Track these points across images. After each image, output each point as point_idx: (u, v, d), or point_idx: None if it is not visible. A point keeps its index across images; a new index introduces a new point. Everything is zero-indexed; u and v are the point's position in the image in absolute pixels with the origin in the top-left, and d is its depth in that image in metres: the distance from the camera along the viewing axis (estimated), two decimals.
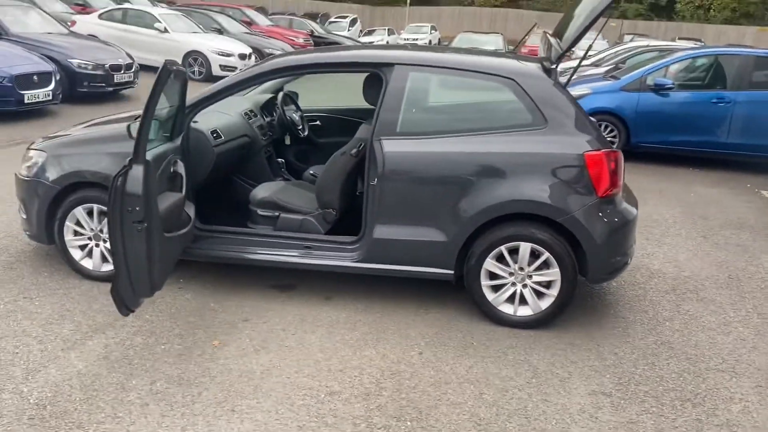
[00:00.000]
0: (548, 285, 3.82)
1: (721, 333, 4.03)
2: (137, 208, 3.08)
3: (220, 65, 15.19)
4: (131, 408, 2.98)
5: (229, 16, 19.21)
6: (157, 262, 3.32)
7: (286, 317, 3.94)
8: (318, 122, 5.52)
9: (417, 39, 35.90)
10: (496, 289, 3.88)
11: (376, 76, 4.07)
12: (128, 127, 3.80)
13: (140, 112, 4.94)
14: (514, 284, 3.85)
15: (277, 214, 4.23)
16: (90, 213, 4.18)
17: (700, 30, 36.70)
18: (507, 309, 3.89)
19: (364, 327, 3.86)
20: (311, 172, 4.93)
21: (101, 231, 4.20)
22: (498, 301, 3.87)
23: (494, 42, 19.24)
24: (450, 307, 4.13)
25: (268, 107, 5.24)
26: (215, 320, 3.86)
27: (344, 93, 6.65)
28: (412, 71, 3.86)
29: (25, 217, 4.37)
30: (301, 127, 5.31)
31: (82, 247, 4.27)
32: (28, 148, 4.52)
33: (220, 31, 17.59)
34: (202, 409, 2.99)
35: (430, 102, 4.04)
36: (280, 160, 5.30)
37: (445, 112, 4.16)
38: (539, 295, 3.84)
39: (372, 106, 4.06)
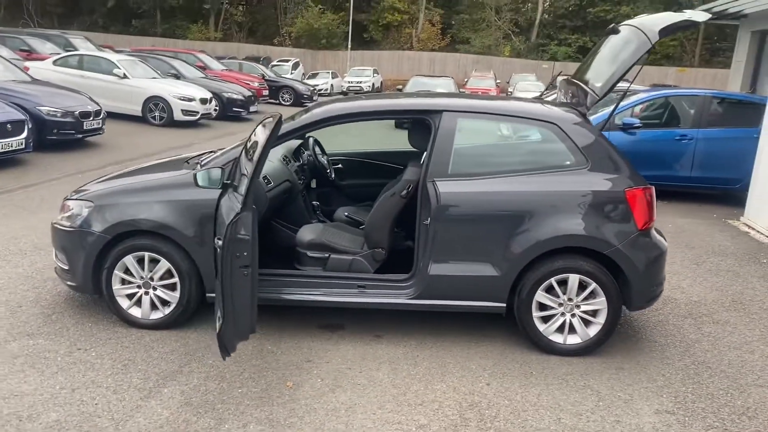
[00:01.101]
0: (594, 314, 4.07)
1: (746, 351, 4.37)
2: (245, 254, 3.17)
3: (182, 110, 15.15)
4: None
5: (184, 60, 19.21)
6: (255, 305, 3.41)
7: (346, 356, 4.04)
8: (340, 165, 5.70)
9: (361, 82, 36.71)
10: (545, 319, 4.11)
11: (422, 123, 4.30)
12: (194, 176, 3.89)
13: (182, 155, 5.06)
14: (563, 314, 4.08)
15: (327, 255, 4.36)
16: (139, 261, 4.19)
17: None
18: (557, 338, 4.11)
19: (425, 362, 4.00)
20: (346, 213, 5.08)
21: (151, 279, 4.21)
22: (549, 331, 4.10)
23: (446, 85, 19.92)
24: (497, 339, 4.33)
25: (297, 152, 5.39)
26: (278, 362, 3.92)
27: (357, 138, 6.89)
28: (460, 117, 4.12)
29: (67, 267, 4.34)
30: (328, 170, 5.48)
31: (130, 296, 4.26)
32: (67, 199, 4.52)
33: (177, 76, 17.57)
34: None
35: (478, 145, 4.30)
36: (315, 203, 5.44)
37: (493, 154, 4.43)
38: (586, 323, 4.09)
39: (414, 149, 4.29)
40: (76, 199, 4.41)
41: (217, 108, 16.51)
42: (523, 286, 4.05)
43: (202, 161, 4.54)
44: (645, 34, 3.95)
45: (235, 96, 17.74)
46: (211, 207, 4.05)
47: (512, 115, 4.20)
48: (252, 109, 18.53)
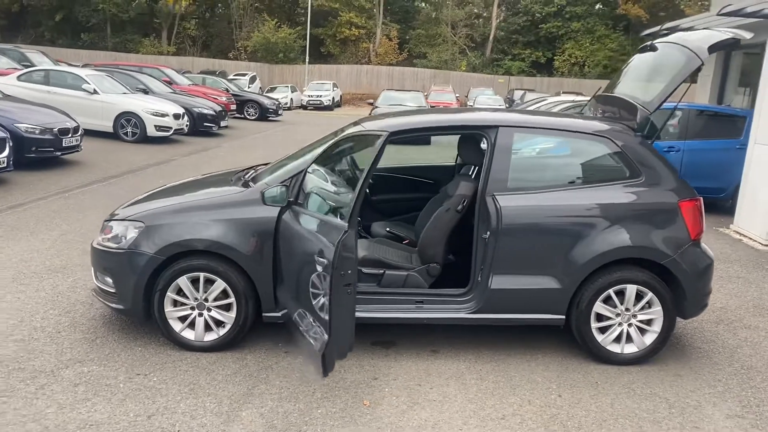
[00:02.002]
0: (649, 323, 4.18)
1: None
2: (349, 272, 3.14)
3: (156, 126, 14.87)
4: None
5: (150, 75, 18.85)
6: (354, 323, 3.37)
7: (410, 372, 4.03)
8: (370, 180, 5.68)
9: (320, 96, 36.75)
10: (602, 330, 4.19)
11: (471, 138, 4.35)
12: (262, 194, 3.85)
13: (226, 171, 4.96)
14: (620, 324, 4.17)
15: (381, 271, 4.34)
16: (193, 282, 4.10)
17: (578, 84, 40.03)
18: (615, 348, 4.20)
19: (490, 376, 4.03)
20: (387, 228, 5.07)
21: (206, 300, 4.12)
22: (606, 341, 4.18)
23: (416, 99, 20.11)
24: (551, 350, 4.39)
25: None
26: (346, 381, 3.88)
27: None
28: (517, 132, 4.18)
29: (113, 290, 4.20)
30: None
31: (182, 318, 4.16)
32: (109, 220, 4.39)
33: (145, 91, 17.22)
34: None
35: (534, 159, 4.37)
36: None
37: (548, 168, 4.50)
38: (642, 332, 4.19)
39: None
40: (121, 220, 4.28)
41: (188, 123, 16.23)
42: (582, 298, 4.12)
43: (249, 176, 4.49)
44: (694, 52, 4.10)
45: (205, 111, 17.51)
46: (271, 225, 4.00)
47: (566, 130, 4.30)
48: (223, 123, 18.30)
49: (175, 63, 39.90)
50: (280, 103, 25.95)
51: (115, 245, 4.19)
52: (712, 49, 4.11)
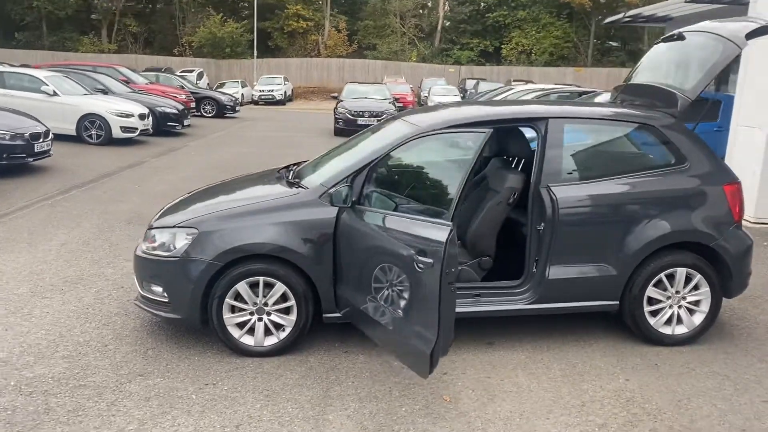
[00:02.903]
0: (697, 303, 4.33)
1: None
2: (453, 270, 3.13)
3: (121, 127, 14.42)
4: None
5: (107, 74, 18.24)
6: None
7: (475, 365, 4.07)
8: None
9: (272, 90, 36.29)
10: (653, 313, 4.32)
11: (512, 130, 4.40)
12: (331, 195, 3.81)
13: (269, 169, 4.84)
14: (671, 306, 4.31)
15: None
16: (251, 286, 4.03)
17: (527, 72, 40.79)
18: (666, 330, 4.34)
19: (555, 364, 4.10)
20: None
21: (265, 304, 4.06)
22: (658, 323, 4.31)
23: (380, 91, 20.14)
24: (603, 336, 4.50)
25: None
26: (415, 379, 3.88)
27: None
28: (567, 123, 4.25)
29: (167, 299, 4.09)
30: None
31: (240, 324, 4.08)
32: (154, 228, 4.27)
33: (105, 91, 16.66)
34: None
35: (584, 149, 4.44)
36: None
37: (599, 157, 4.57)
38: (691, 313, 4.34)
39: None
40: (167, 228, 4.16)
41: (152, 123, 15.80)
42: (635, 283, 4.24)
43: (292, 177, 4.45)
44: (732, 41, 4.25)
45: (168, 110, 17.06)
46: (330, 225, 3.97)
47: (613, 119, 4.39)
48: (185, 122, 17.87)
49: (118, 61, 38.61)
50: (237, 100, 25.49)
51: (166, 253, 4.08)
52: (750, 36, 4.27)
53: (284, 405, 3.56)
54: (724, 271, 4.31)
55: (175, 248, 4.07)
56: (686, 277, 4.27)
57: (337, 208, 3.98)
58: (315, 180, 4.23)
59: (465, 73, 41.58)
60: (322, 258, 4.00)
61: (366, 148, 4.33)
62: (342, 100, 18.93)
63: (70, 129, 14.20)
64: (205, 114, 23.60)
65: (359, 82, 22.85)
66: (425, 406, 3.58)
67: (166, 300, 4.10)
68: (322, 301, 4.08)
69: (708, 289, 4.28)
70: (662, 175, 4.28)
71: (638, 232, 4.16)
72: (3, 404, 3.48)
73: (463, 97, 30.14)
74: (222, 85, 34.65)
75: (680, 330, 4.34)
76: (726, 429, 3.41)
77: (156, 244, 4.17)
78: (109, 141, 14.28)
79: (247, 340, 4.09)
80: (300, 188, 4.22)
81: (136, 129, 14.79)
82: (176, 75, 27.19)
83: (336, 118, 18.39)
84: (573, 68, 41.49)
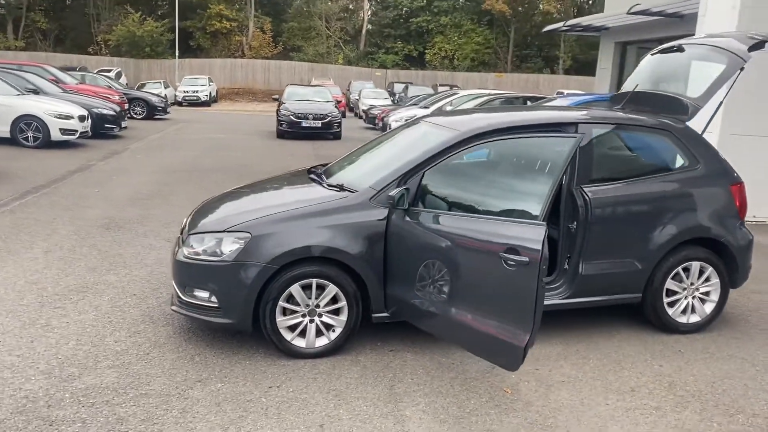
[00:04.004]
0: (707, 294, 4.73)
1: None
2: (544, 267, 3.30)
3: (60, 129, 13.81)
4: None
5: (36, 74, 17.34)
6: None
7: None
8: None
9: (197, 91, 35.47)
10: (670, 304, 4.68)
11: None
12: (392, 198, 3.91)
13: (295, 170, 4.84)
14: (686, 297, 4.68)
15: None
16: (304, 288, 4.08)
17: (452, 77, 41.75)
18: (681, 319, 4.71)
19: (591, 354, 4.38)
20: None
21: (317, 306, 4.12)
22: (675, 313, 4.68)
23: (321, 93, 20.13)
24: (623, 327, 4.82)
25: None
26: (468, 372, 4.06)
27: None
28: (594, 128, 4.54)
29: (217, 304, 4.08)
30: None
31: (291, 327, 4.13)
32: (196, 233, 4.24)
33: (36, 91, 15.85)
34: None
35: (611, 152, 4.73)
36: None
37: (623, 160, 4.87)
38: (703, 302, 4.73)
39: None
40: (214, 232, 4.15)
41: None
42: (656, 276, 4.57)
43: (331, 179, 4.53)
44: (736, 54, 4.66)
45: (105, 111, 16.43)
46: (382, 226, 4.07)
47: (634, 125, 4.70)
48: (123, 125, 17.26)
49: (27, 58, 36.64)
50: (167, 101, 24.78)
51: (214, 258, 4.06)
52: (752, 49, 4.70)
53: (356, 403, 3.63)
54: (731, 264, 4.72)
55: (223, 253, 4.05)
56: (699, 270, 4.64)
57: (386, 210, 4.08)
58: (362, 183, 4.30)
59: (391, 76, 42.09)
60: (373, 259, 4.10)
61: (405, 152, 4.45)
62: (284, 102, 18.80)
63: (4, 131, 13.49)
64: (135, 116, 22.80)
65: (300, 84, 22.77)
66: (491, 398, 3.74)
67: (216, 305, 4.07)
68: (371, 301, 4.16)
69: (718, 280, 4.68)
70: (679, 176, 4.65)
71: (661, 229, 4.50)
72: (68, 416, 3.39)
73: (393, 102, 30.51)
74: (143, 85, 33.48)
75: (694, 318, 4.72)
76: (764, 404, 3.77)
77: (201, 249, 4.14)
78: (47, 144, 13.66)
79: (299, 342, 4.13)
80: (346, 191, 4.29)
81: (76, 131, 14.20)
82: (102, 75, 26.06)
83: (279, 121, 18.25)
84: (494, 74, 42.82)
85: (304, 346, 4.14)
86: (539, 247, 3.20)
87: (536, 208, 3.53)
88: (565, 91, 28.89)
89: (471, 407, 3.64)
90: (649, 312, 4.67)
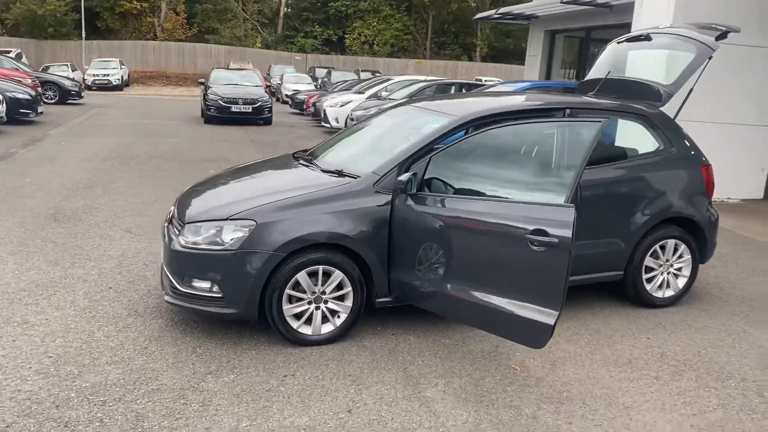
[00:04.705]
0: (680, 269, 5.04)
1: (760, 278, 5.74)
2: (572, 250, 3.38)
3: None
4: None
5: None
6: None
7: None
8: None
9: (108, 75, 33.89)
10: (649, 280, 4.95)
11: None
12: (404, 181, 3.92)
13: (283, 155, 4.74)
14: (662, 273, 4.97)
15: None
16: (310, 275, 4.05)
17: (373, 62, 41.80)
18: (658, 294, 4.99)
19: (583, 330, 4.57)
20: None
21: (323, 293, 4.10)
22: (653, 288, 4.96)
23: (250, 77, 19.69)
24: (601, 304, 5.06)
25: None
26: (473, 353, 4.16)
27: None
28: (581, 113, 4.70)
29: (220, 294, 3.98)
30: None
31: (297, 315, 4.09)
32: (194, 222, 4.11)
33: None
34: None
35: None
36: None
37: (606, 144, 5.06)
38: (676, 278, 5.04)
39: None
40: (217, 220, 4.03)
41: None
42: (636, 255, 4.83)
43: (310, 160, 4.52)
44: (705, 44, 4.95)
45: (20, 96, 15.45)
46: (386, 212, 4.09)
47: (614, 110, 4.90)
48: (39, 110, 16.27)
49: None
50: (81, 85, 23.52)
51: (217, 247, 3.95)
52: (719, 38, 5.00)
53: (377, 387, 3.65)
54: (701, 241, 5.04)
55: (224, 241, 3.95)
56: (674, 247, 4.93)
57: (390, 196, 4.09)
58: (361, 168, 4.29)
59: (312, 61, 41.66)
60: (377, 244, 4.10)
61: (399, 137, 4.48)
62: (211, 87, 18.25)
63: None
64: (46, 100, 21.47)
65: (226, 68, 22.14)
66: (503, 376, 3.86)
67: (219, 295, 3.97)
68: (375, 287, 4.18)
69: (690, 256, 5.00)
70: (656, 159, 4.90)
71: (642, 209, 4.75)
72: (82, 416, 3.23)
73: (316, 87, 30.25)
74: (47, 68, 31.55)
75: (669, 293, 5.02)
76: (749, 367, 4.09)
77: (201, 238, 4.01)
78: None
79: (305, 330, 4.09)
80: (347, 176, 4.26)
81: None
82: (3, 56, 24.32)
83: (207, 105, 17.73)
84: (414, 60, 43.21)
85: (310, 333, 4.10)
86: (570, 228, 3.31)
87: (558, 191, 3.62)
88: (483, 78, 29.61)
89: (487, 385, 3.73)
90: (630, 288, 4.92)
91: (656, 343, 4.41)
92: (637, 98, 5.17)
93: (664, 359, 4.17)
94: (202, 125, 17.80)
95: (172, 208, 4.57)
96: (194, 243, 4.02)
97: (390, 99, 15.17)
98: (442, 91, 15.21)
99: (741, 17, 8.14)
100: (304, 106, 22.12)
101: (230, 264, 3.92)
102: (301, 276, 4.00)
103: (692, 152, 5.05)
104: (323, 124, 17.50)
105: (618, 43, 5.84)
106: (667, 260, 4.97)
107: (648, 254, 4.87)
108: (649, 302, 4.97)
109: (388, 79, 18.14)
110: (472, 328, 4.47)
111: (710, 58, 4.96)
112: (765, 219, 8.61)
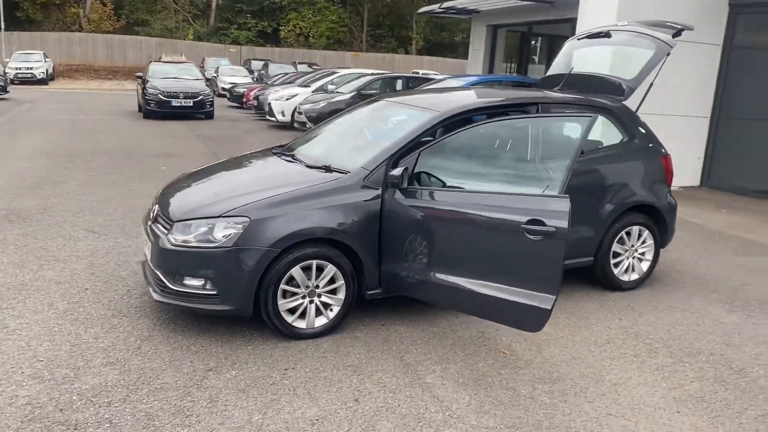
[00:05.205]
0: (644, 254, 5.36)
1: (714, 262, 6.15)
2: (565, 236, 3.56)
3: None
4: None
5: None
6: None
7: (498, 326, 4.60)
8: None
9: (32, 68, 32.52)
10: (616, 265, 5.25)
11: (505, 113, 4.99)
12: (399, 177, 4.01)
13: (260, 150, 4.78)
14: (628, 258, 5.28)
15: None
16: (304, 270, 4.11)
17: (309, 55, 41.55)
18: (624, 277, 5.29)
19: (558, 314, 4.78)
20: None
21: (316, 287, 4.17)
22: (620, 273, 5.26)
23: (189, 71, 19.29)
24: (573, 288, 5.30)
25: None
26: (462, 339, 4.32)
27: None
28: (552, 107, 4.93)
29: (215, 292, 4.00)
30: None
31: (291, 309, 4.15)
32: (184, 219, 4.11)
33: None
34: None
35: (564, 129, 5.12)
36: None
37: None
38: (640, 262, 5.35)
39: None
40: (209, 218, 4.04)
41: None
42: (605, 241, 5.10)
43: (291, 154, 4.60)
44: (663, 41, 5.26)
45: None
46: (377, 206, 4.20)
47: (578, 104, 5.14)
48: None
49: None
50: (7, 79, 22.44)
51: (210, 245, 3.96)
52: (675, 36, 5.32)
53: (378, 376, 3.76)
54: (662, 227, 5.37)
55: (216, 239, 3.96)
56: (639, 233, 5.24)
57: (380, 189, 4.19)
58: (348, 163, 4.37)
59: (247, 53, 41.04)
60: (369, 238, 4.20)
61: (381, 132, 4.60)
62: (149, 80, 17.79)
63: None
64: None
65: (165, 61, 21.56)
66: (495, 360, 4.03)
67: (213, 292, 3.98)
68: (366, 279, 4.28)
69: (652, 242, 5.32)
70: (622, 151, 5.19)
71: (610, 198, 5.02)
72: (90, 418, 3.21)
73: (253, 79, 29.89)
74: None
75: (634, 276, 5.32)
76: (715, 342, 4.41)
77: (191, 236, 4.01)
78: None
79: (299, 324, 4.15)
80: (335, 171, 4.33)
81: None
82: None
83: (146, 100, 17.27)
84: (351, 53, 43.19)
85: (304, 327, 4.16)
86: (566, 217, 3.50)
87: (547, 183, 3.82)
88: (421, 71, 29.93)
89: (482, 369, 3.90)
90: (599, 272, 5.19)
91: (628, 323, 4.69)
92: (602, 92, 5.44)
93: (639, 338, 4.44)
94: (141, 120, 17.35)
95: (155, 206, 4.52)
96: (185, 241, 4.01)
97: (338, 92, 15.21)
98: (389, 84, 15.36)
99: (683, 14, 8.61)
100: (244, 100, 21.87)
101: (224, 261, 3.93)
102: (296, 271, 4.05)
103: (652, 143, 5.36)
104: (268, 117, 17.37)
105: (578, 39, 6.11)
106: (633, 246, 5.26)
107: (615, 240, 5.14)
108: (616, 286, 5.26)
109: (333, 72, 18.14)
110: (457, 316, 4.64)
111: (668, 54, 5.26)
112: (704, 205, 9.18)
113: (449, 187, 4.17)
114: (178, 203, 4.33)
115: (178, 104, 17.41)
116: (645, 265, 5.37)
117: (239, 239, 3.92)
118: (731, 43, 9.95)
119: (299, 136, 5.56)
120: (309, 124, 14.55)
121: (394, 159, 4.28)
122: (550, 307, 3.57)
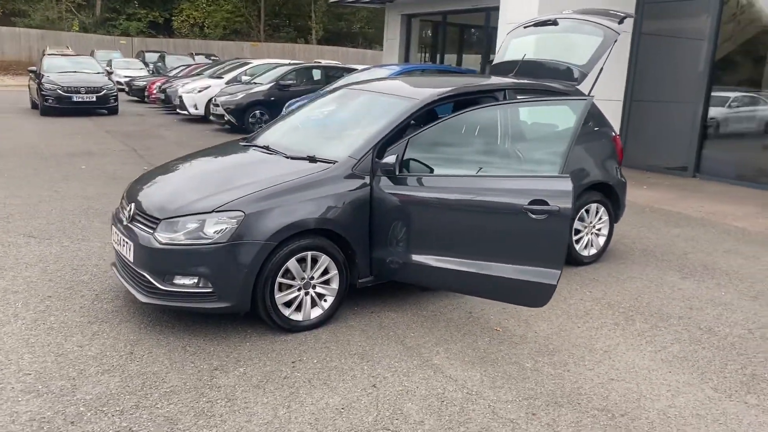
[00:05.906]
0: (600, 229, 5.69)
1: (662, 237, 6.59)
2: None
3: None
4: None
5: None
6: None
7: (485, 302, 4.76)
8: None
9: None
10: (577, 241, 5.54)
11: (473, 102, 5.14)
12: (395, 166, 4.04)
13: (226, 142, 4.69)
14: (587, 234, 5.59)
15: None
16: (299, 262, 4.09)
17: (206, 46, 40.26)
18: (584, 252, 5.60)
19: None
20: None
21: (311, 278, 4.16)
22: (581, 248, 5.56)
23: (89, 64, 18.26)
24: None
25: None
26: (452, 320, 4.44)
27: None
28: (518, 94, 5.12)
29: (211, 289, 3.90)
30: None
31: (287, 302, 4.12)
32: (176, 216, 3.97)
33: None
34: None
35: (526, 113, 5.31)
36: None
37: (537, 120, 5.47)
38: (597, 237, 5.68)
39: None
40: (200, 213, 3.92)
41: None
42: None
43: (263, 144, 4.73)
44: (610, 29, 5.56)
45: None
46: (367, 194, 4.23)
47: (542, 90, 5.36)
48: None
49: None
50: None
51: (203, 241, 3.85)
52: (620, 23, 5.64)
53: (387, 362, 3.80)
54: (615, 203, 5.71)
55: (208, 235, 3.86)
56: (596, 210, 5.55)
57: (368, 178, 4.22)
58: (333, 153, 4.36)
59: (139, 45, 39.23)
60: (360, 226, 4.23)
61: (359, 121, 4.63)
62: (45, 75, 16.67)
63: None
64: None
65: (60, 55, 20.21)
66: (492, 338, 4.18)
67: (209, 290, 3.88)
68: (359, 268, 4.30)
69: (608, 218, 5.65)
70: (587, 133, 5.45)
71: (572, 178, 5.26)
72: (108, 428, 3.06)
73: (150, 72, 28.72)
74: None
75: (592, 251, 5.64)
76: (680, 307, 4.77)
77: (180, 234, 3.89)
78: None
79: (296, 316, 4.12)
80: (321, 162, 4.31)
81: None
82: None
83: (44, 96, 16.19)
84: (249, 43, 42.27)
85: (301, 319, 4.13)
86: (569, 197, 3.66)
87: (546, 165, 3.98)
88: (322, 61, 29.78)
89: (482, 347, 4.03)
90: None
91: (598, 295, 4.97)
92: (555, 78, 5.69)
93: (613, 308, 4.73)
94: (39, 118, 16.27)
95: (130, 204, 4.31)
96: (173, 239, 3.88)
97: (255, 83, 14.91)
98: (305, 74, 15.22)
99: (597, 1, 9.08)
100: (147, 93, 20.96)
101: (220, 257, 3.83)
102: (292, 263, 4.01)
103: (605, 125, 5.68)
104: (179, 111, 16.77)
105: (525, 27, 6.34)
106: (591, 222, 5.57)
107: (576, 218, 5.42)
108: (578, 260, 5.55)
109: (246, 63, 17.73)
110: (442, 299, 4.75)
111: (616, 41, 5.58)
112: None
113: (433, 173, 4.24)
114: (159, 200, 4.16)
115: (80, 99, 16.47)
116: (602, 240, 5.70)
117: (234, 234, 3.83)
118: (640, 30, 10.62)
119: (263, 127, 5.45)
120: (228, 117, 14.18)
121: (378, 147, 4.31)
122: (555, 282, 3.74)
